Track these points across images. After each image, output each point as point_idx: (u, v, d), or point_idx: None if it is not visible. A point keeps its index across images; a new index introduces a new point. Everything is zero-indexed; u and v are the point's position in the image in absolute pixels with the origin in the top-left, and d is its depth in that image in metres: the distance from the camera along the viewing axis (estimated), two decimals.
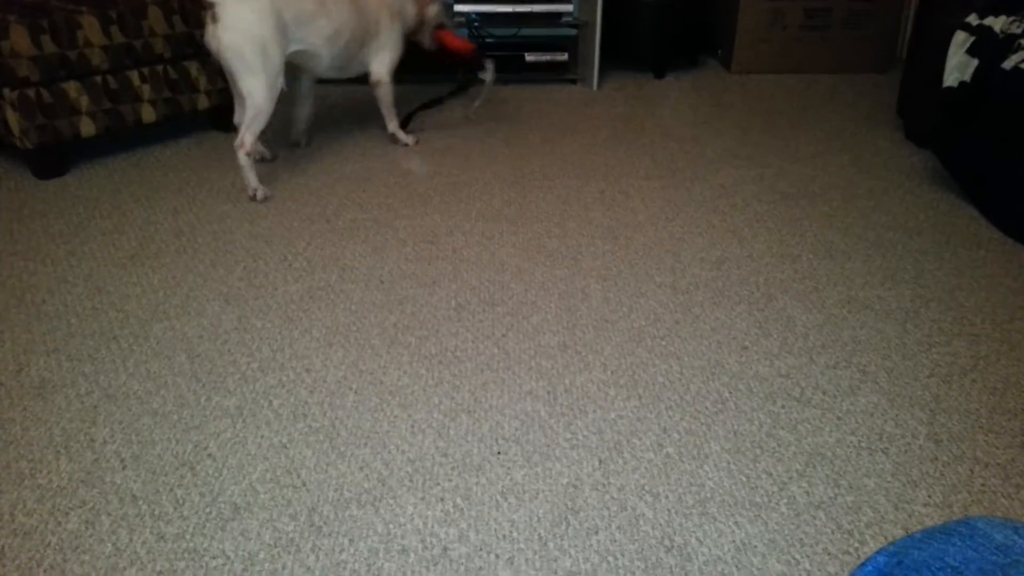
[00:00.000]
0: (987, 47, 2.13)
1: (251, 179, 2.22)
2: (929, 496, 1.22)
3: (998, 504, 1.21)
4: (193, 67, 2.51)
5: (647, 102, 3.14)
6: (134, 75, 2.39)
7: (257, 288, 1.79)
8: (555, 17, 3.31)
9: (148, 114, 2.45)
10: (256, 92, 2.14)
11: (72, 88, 2.27)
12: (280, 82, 2.22)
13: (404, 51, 2.61)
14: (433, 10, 2.63)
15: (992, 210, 2.12)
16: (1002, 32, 2.11)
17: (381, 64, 2.53)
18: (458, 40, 2.70)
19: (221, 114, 2.69)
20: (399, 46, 2.55)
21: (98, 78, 2.31)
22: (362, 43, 2.44)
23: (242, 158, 2.18)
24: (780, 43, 3.38)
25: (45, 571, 1.09)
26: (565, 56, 3.37)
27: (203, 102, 2.58)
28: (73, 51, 2.23)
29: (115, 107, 2.37)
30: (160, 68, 2.44)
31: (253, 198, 2.23)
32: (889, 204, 2.21)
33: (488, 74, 2.66)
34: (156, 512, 1.19)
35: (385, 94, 2.57)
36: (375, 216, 2.13)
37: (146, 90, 2.42)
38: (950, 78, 2.23)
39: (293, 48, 2.25)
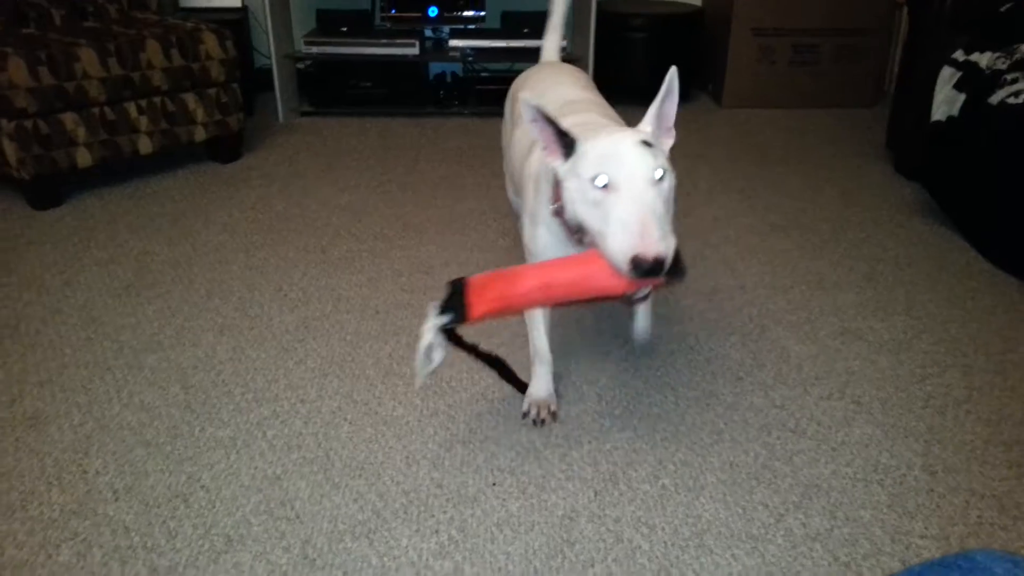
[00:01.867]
0: (974, 82, 2.17)
1: None
2: (926, 528, 1.22)
3: (996, 536, 1.21)
4: (191, 99, 2.53)
5: None
6: (131, 107, 2.40)
7: (252, 319, 1.79)
8: None
9: (145, 145, 2.46)
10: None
11: (69, 119, 2.28)
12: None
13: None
14: (568, 207, 1.26)
15: (981, 242, 2.14)
16: (988, 68, 2.15)
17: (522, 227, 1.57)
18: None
19: (218, 145, 2.71)
20: (536, 223, 1.43)
21: (95, 109, 2.33)
22: (516, 190, 1.73)
23: None
24: (770, 78, 3.43)
25: None
26: None
27: (200, 134, 2.59)
28: (71, 83, 2.25)
29: (112, 138, 2.38)
30: (157, 100, 2.46)
31: None
32: (879, 236, 2.23)
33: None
34: (148, 544, 1.18)
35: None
36: (370, 247, 2.14)
37: (143, 121, 2.44)
38: (938, 112, 2.27)
39: None
